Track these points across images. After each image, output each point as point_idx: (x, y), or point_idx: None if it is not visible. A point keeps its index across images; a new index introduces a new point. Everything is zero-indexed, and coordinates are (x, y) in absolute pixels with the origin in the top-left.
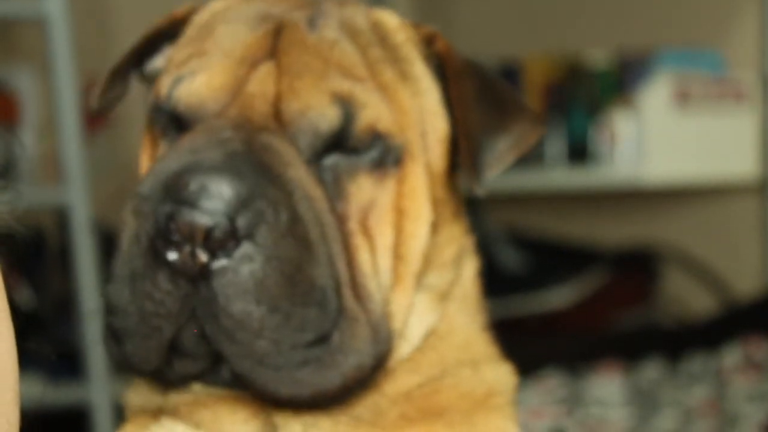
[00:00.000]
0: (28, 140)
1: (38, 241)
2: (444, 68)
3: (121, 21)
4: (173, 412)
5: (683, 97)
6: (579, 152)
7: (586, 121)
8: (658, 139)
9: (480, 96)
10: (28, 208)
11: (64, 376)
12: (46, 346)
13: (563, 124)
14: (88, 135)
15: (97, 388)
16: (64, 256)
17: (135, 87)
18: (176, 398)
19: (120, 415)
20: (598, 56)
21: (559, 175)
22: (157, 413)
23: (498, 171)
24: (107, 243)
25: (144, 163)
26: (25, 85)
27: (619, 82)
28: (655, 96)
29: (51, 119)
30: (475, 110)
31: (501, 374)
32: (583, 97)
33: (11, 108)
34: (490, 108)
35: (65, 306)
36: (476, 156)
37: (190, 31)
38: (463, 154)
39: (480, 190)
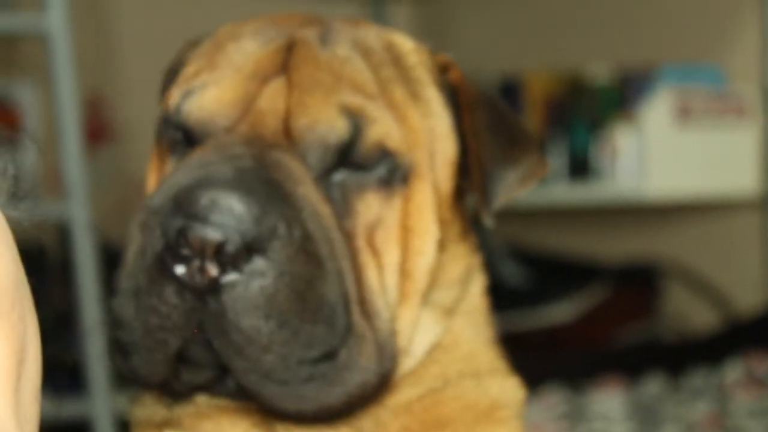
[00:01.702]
0: (29, 154)
1: (39, 255)
2: (458, 98)
3: (122, 36)
4: (177, 425)
5: (684, 112)
6: (580, 167)
7: (588, 137)
8: (660, 154)
9: (492, 128)
10: (30, 226)
11: (65, 391)
12: (58, 359)
13: (565, 139)
14: (89, 149)
15: (99, 402)
16: (65, 271)
17: (137, 102)
18: (180, 411)
19: (122, 429)
20: (600, 71)
21: (560, 191)
22: (161, 426)
23: (505, 202)
24: (109, 257)
25: (151, 177)
26: (26, 99)
27: (621, 97)
28: (657, 111)
29: (52, 133)
30: (487, 142)
31: (506, 387)
32: (584, 112)
33: (13, 122)
34: (501, 140)
35: (66, 320)
36: (487, 187)
37: (199, 50)
38: (475, 184)
39: (489, 220)
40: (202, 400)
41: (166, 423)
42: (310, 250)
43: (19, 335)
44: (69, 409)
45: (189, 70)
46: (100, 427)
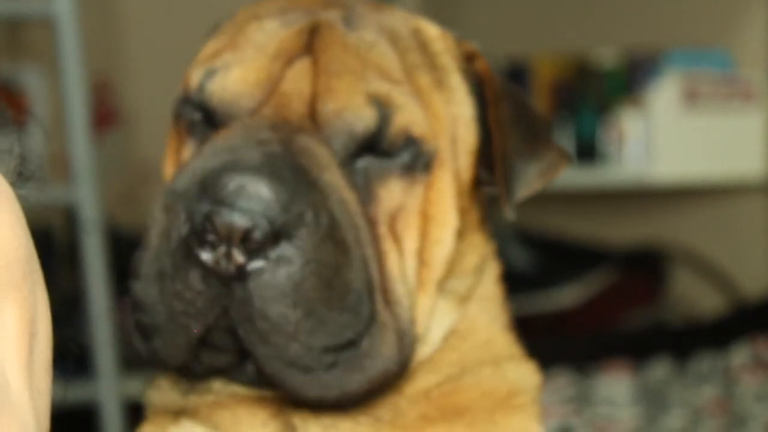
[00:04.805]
0: (36, 139)
1: (46, 239)
2: (483, 89)
3: (129, 21)
4: (193, 413)
5: (692, 96)
6: (587, 151)
7: (595, 121)
8: (667, 139)
9: (515, 120)
10: (37, 206)
11: (73, 375)
12: (65, 343)
13: (571, 123)
14: (96, 134)
15: (106, 386)
16: (72, 255)
17: (144, 87)
18: (197, 399)
19: (129, 413)
20: (607, 55)
21: (567, 174)
22: (177, 414)
23: (526, 196)
24: (116, 242)
25: (169, 159)
26: (33, 84)
27: (628, 81)
28: (664, 95)
29: (59, 119)
30: (511, 134)
31: (523, 373)
32: (591, 96)
33: (20, 107)
34: (523, 133)
35: (74, 305)
36: (509, 180)
37: (219, 31)
38: (497, 176)
39: (510, 213)
40: (219, 388)
41: (182, 411)
42: (337, 237)
43: (30, 307)
44: (76, 393)
45: (208, 49)
46: (107, 411)
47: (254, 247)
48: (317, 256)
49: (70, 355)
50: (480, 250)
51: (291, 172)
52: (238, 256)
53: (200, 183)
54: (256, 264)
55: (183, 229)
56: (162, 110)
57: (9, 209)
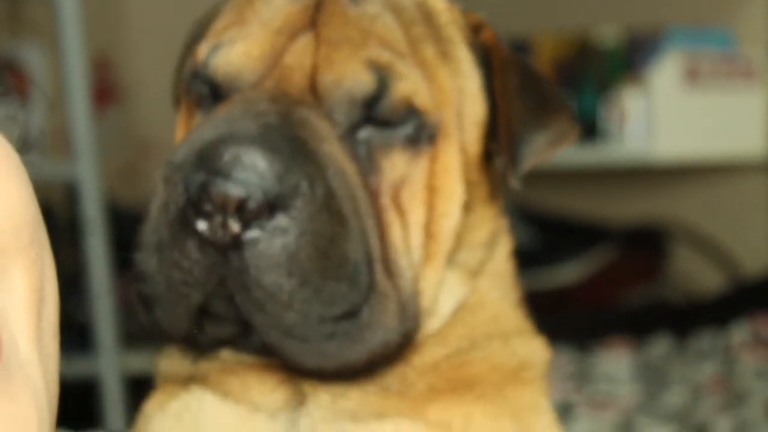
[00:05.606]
0: (37, 115)
1: (47, 215)
2: (490, 58)
3: None
4: (203, 380)
5: (692, 75)
6: (588, 129)
7: (596, 99)
8: (667, 117)
9: (523, 90)
10: (39, 176)
11: (73, 350)
12: (66, 319)
13: (573, 101)
14: (97, 110)
15: (106, 361)
16: (73, 231)
17: (145, 64)
18: (206, 366)
19: (129, 388)
20: (608, 34)
21: (568, 152)
22: (187, 381)
23: (533, 165)
24: (116, 217)
25: (179, 131)
26: (34, 60)
27: (629, 59)
28: (665, 73)
29: (60, 95)
30: (517, 104)
31: (533, 348)
32: (592, 74)
33: (21, 83)
34: (531, 103)
35: (74, 280)
36: (515, 149)
37: (230, 4)
38: (502, 145)
39: (515, 182)
40: (228, 355)
41: (192, 378)
42: (334, 208)
43: (38, 272)
44: (77, 368)
45: (218, 24)
46: (107, 386)
47: (249, 217)
48: (313, 226)
49: (70, 330)
50: (490, 223)
51: (287, 143)
52: (234, 226)
53: (197, 154)
54: (252, 234)
55: (180, 199)
56: (162, 87)
57: (16, 175)
